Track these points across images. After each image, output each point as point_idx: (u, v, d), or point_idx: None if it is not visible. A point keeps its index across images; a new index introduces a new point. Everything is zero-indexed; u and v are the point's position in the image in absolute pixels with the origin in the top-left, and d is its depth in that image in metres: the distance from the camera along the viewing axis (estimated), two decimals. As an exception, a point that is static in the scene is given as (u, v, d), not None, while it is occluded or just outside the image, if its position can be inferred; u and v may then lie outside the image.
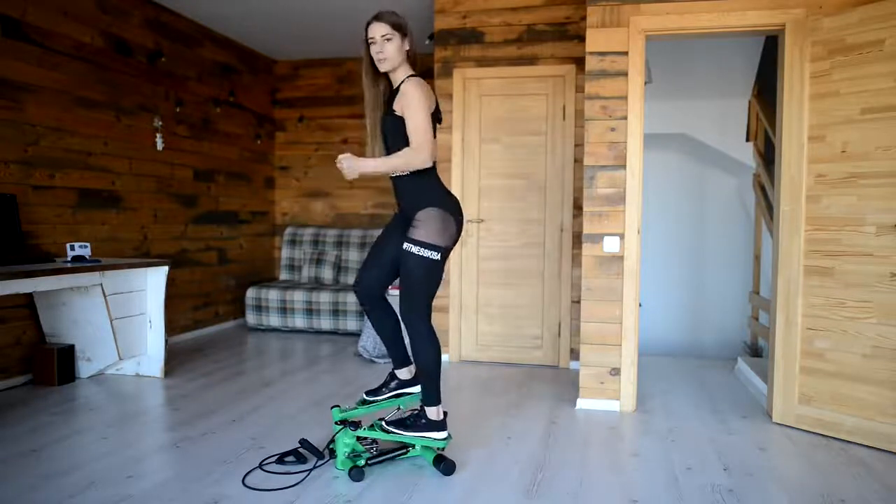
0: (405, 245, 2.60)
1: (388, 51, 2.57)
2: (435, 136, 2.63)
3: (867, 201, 3.04)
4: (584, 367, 3.69)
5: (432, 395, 2.66)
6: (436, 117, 2.67)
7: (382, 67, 2.61)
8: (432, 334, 2.65)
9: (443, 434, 2.65)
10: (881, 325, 3.01)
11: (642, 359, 4.67)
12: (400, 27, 2.59)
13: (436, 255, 2.58)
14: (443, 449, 2.72)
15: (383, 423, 2.68)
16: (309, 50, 6.39)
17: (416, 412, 2.70)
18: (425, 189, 2.64)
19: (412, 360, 2.78)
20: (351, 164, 2.54)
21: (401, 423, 2.67)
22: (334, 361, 4.73)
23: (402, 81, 2.62)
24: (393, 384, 2.87)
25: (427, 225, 2.58)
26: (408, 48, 2.63)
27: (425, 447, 2.78)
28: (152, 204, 5.07)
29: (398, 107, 2.59)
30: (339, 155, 2.56)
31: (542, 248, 4.67)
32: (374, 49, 2.60)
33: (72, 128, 4.27)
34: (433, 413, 2.66)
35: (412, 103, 2.52)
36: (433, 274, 2.61)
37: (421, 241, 2.57)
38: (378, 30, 2.57)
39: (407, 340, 2.77)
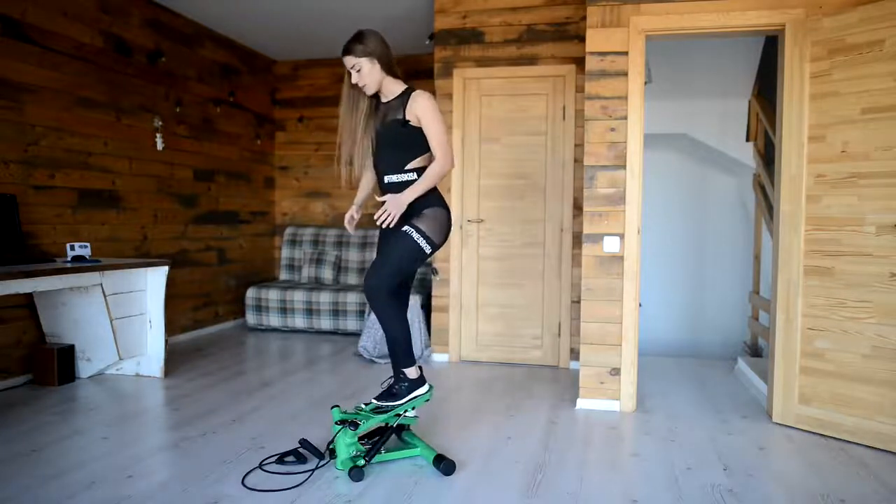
0: (405, 227, 2.72)
1: (364, 79, 2.73)
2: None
3: (867, 201, 3.04)
4: (584, 367, 3.69)
5: (407, 357, 2.79)
6: None
7: (368, 92, 2.78)
8: (396, 304, 2.77)
9: (425, 387, 2.83)
10: (881, 325, 3.01)
11: (642, 359, 4.68)
12: (366, 52, 2.70)
13: (427, 249, 2.72)
14: (428, 400, 2.86)
15: (374, 402, 2.79)
16: (309, 50, 6.39)
17: (395, 379, 2.81)
18: (430, 190, 2.78)
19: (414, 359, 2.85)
20: (403, 200, 2.70)
21: (389, 396, 2.79)
22: (334, 361, 4.73)
23: (410, 91, 2.74)
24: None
25: (433, 221, 2.74)
26: (381, 66, 2.73)
27: (426, 447, 2.79)
28: (152, 204, 5.07)
29: (412, 117, 2.70)
30: (379, 211, 2.73)
31: (542, 248, 4.67)
32: (353, 79, 2.76)
33: (72, 128, 4.27)
34: (412, 372, 2.80)
35: (433, 115, 2.70)
36: (415, 262, 2.75)
37: (422, 231, 2.70)
38: (347, 63, 2.74)
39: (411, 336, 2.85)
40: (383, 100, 2.82)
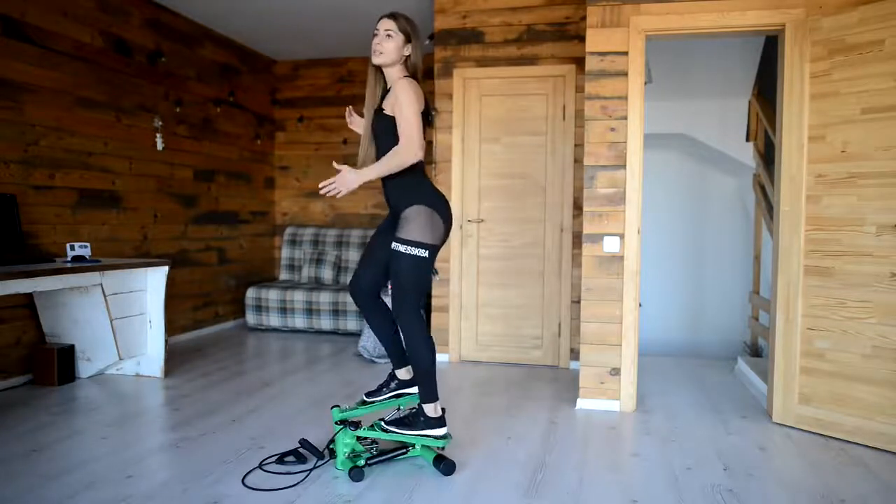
0: (393, 244, 2.62)
1: (385, 46, 2.63)
2: (424, 137, 2.65)
3: (867, 201, 3.04)
4: (584, 367, 3.69)
5: (429, 392, 2.67)
6: (425, 118, 2.67)
7: (374, 59, 2.66)
8: (425, 331, 2.67)
9: (442, 431, 2.65)
10: (881, 325, 3.01)
11: (642, 359, 4.67)
12: (406, 31, 2.66)
13: (424, 253, 2.60)
14: (443, 448, 2.73)
15: (383, 422, 2.69)
16: (309, 50, 6.39)
17: (413, 410, 2.70)
18: (412, 187, 2.66)
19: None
20: (352, 178, 2.56)
21: (400, 423, 2.68)
22: (334, 361, 4.73)
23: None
24: (392, 384, 2.88)
25: (414, 223, 2.60)
26: (408, 54, 2.69)
27: (425, 447, 2.78)
28: (152, 204, 5.07)
29: (388, 106, 2.63)
30: (335, 173, 2.55)
31: (542, 248, 4.67)
32: (374, 41, 2.66)
33: (72, 128, 4.27)
34: (430, 410, 2.66)
35: (403, 100, 2.56)
36: (422, 272, 2.63)
37: (408, 240, 2.59)
38: (384, 24, 2.65)
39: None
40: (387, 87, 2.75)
